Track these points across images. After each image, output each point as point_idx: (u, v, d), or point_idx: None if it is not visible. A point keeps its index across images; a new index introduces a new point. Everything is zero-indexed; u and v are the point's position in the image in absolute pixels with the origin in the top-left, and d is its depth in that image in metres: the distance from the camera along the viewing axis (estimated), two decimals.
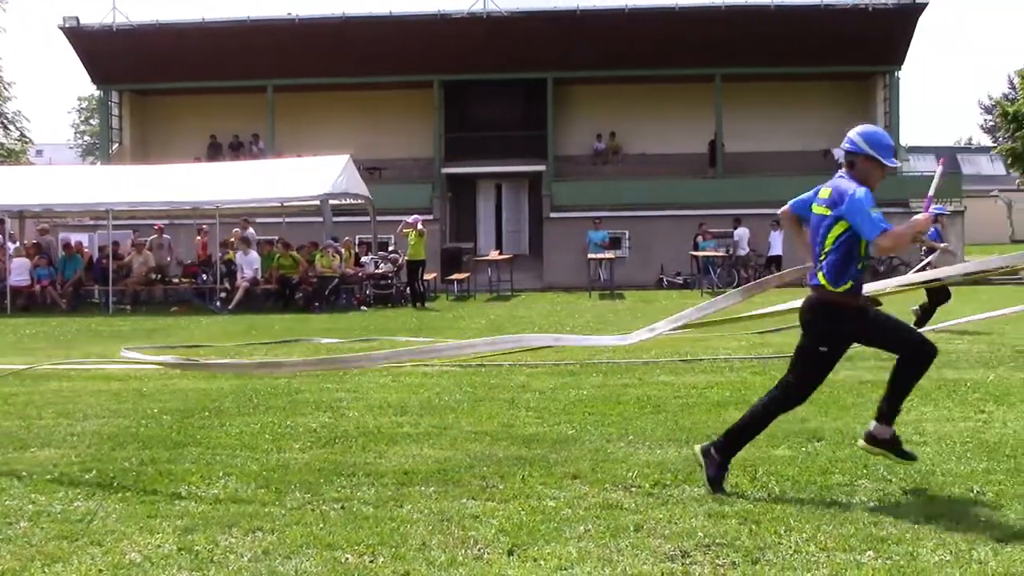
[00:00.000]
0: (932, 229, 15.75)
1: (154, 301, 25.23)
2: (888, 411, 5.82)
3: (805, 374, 5.82)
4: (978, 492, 5.65)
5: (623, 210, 34.57)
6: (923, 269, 14.75)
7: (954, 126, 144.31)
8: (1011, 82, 55.08)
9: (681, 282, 32.71)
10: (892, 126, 38.01)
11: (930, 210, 5.99)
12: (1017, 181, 43.00)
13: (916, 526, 5.05)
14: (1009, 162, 42.27)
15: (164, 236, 26.87)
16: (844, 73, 38.47)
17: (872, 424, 5.88)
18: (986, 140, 76.11)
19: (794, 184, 36.36)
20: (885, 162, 5.88)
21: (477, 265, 30.31)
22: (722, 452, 5.82)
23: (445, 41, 35.95)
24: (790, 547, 4.78)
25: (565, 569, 4.56)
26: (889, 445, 5.85)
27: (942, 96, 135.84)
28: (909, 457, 5.91)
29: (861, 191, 5.68)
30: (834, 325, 5.72)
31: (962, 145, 78.05)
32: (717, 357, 11.72)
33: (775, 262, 32.89)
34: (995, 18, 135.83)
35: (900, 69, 38.02)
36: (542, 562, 4.65)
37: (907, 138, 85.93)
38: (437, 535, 5.07)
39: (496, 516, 5.37)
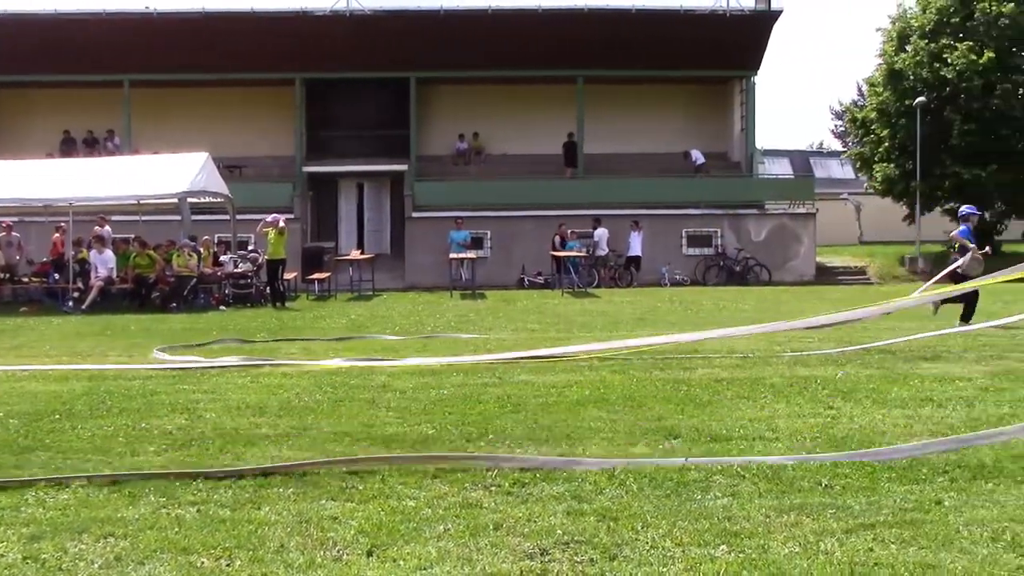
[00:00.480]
0: (964, 227, 16.46)
1: (2, 301, 24.35)
2: None
3: None
4: (826, 485, 5.85)
5: (485, 210, 34.73)
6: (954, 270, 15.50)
7: (807, 130, 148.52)
8: (860, 89, 57.11)
9: (542, 282, 33.01)
10: (748, 130, 39.03)
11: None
12: (865, 185, 44.46)
13: (767, 520, 5.20)
14: (858, 166, 43.68)
15: (13, 234, 25.93)
16: (702, 77, 39.34)
17: None
18: (837, 145, 78.67)
19: (653, 185, 37.07)
20: None
21: (338, 264, 30.09)
22: None
23: (307, 39, 35.60)
24: (647, 543, 4.87)
25: (424, 569, 4.57)
26: None
27: (796, 101, 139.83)
28: None
29: None
30: None
31: (814, 149, 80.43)
32: (575, 356, 11.86)
33: (634, 263, 33.49)
34: (845, 27, 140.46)
35: (756, 74, 39.04)
36: (401, 562, 4.65)
37: (762, 141, 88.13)
38: (295, 537, 5.02)
39: (355, 517, 5.34)
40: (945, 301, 15.62)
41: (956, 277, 15.65)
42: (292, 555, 4.76)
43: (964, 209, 17.42)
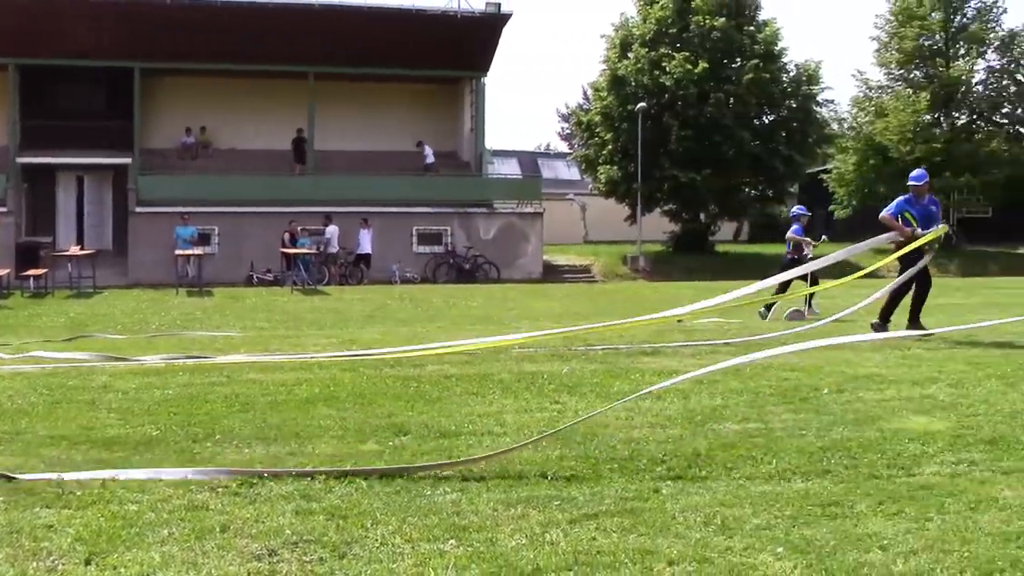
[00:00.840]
0: (796, 227, 17.31)
1: None
2: None
3: None
4: (552, 477, 6.01)
5: (213, 206, 33.84)
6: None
7: (535, 132, 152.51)
8: (585, 93, 59.03)
9: (271, 279, 32.47)
10: (477, 130, 39.65)
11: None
12: (590, 186, 46.09)
13: (495, 513, 5.30)
14: (583, 168, 45.27)
15: None
16: (434, 77, 39.70)
17: None
18: (563, 146, 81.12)
19: (383, 183, 36.97)
20: None
21: (55, 260, 28.63)
22: None
23: (23, 22, 33.58)
24: (376, 540, 4.87)
25: (147, 575, 4.40)
26: None
27: (525, 103, 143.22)
28: None
29: None
30: None
31: (542, 150, 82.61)
32: (312, 356, 11.72)
33: (363, 260, 33.43)
34: (572, 33, 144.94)
35: (486, 75, 39.73)
36: (122, 569, 4.46)
37: (492, 142, 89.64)
38: (5, 548, 4.73)
39: (73, 524, 5.08)
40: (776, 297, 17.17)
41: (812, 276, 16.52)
42: (1, 568, 4.48)
43: (795, 210, 18.81)
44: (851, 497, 5.55)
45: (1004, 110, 46.02)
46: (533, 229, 37.69)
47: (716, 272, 36.86)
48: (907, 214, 13.43)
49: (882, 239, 14.10)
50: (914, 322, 13.51)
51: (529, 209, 38.07)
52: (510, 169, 57.09)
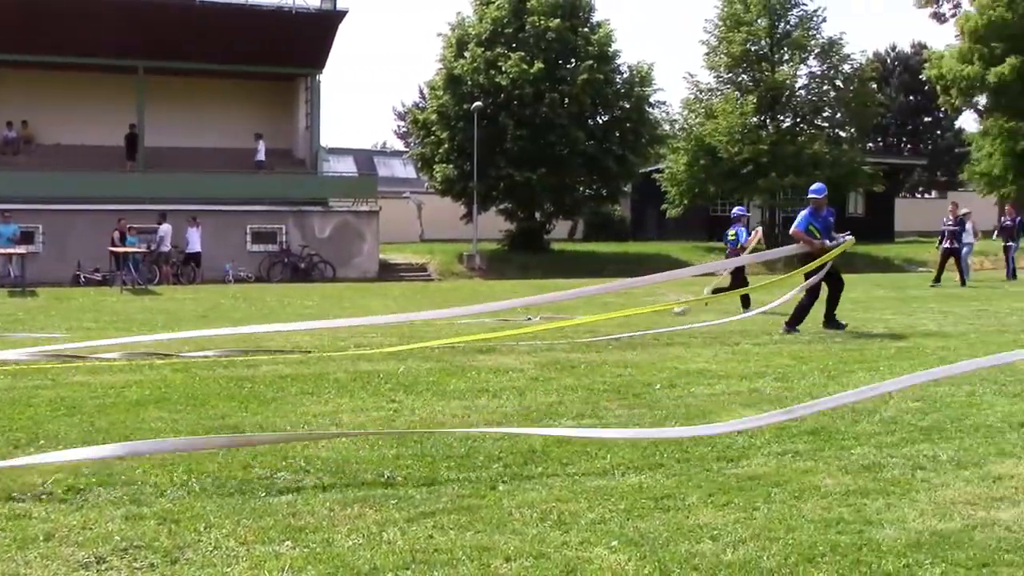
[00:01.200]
0: (736, 226, 17.84)
1: None
2: None
3: None
4: (389, 476, 5.98)
5: (36, 203, 32.52)
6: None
7: (372, 130, 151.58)
8: (422, 92, 58.88)
9: (100, 279, 31.43)
10: (313, 128, 39.21)
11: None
12: (427, 184, 46.01)
13: (332, 513, 5.25)
14: (420, 166, 45.12)
15: None
16: (268, 74, 39.08)
17: None
18: (400, 145, 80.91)
19: (217, 181, 36.10)
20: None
21: None
22: None
23: None
24: (210, 544, 4.77)
25: None
26: None
27: (361, 101, 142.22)
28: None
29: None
30: None
31: (378, 148, 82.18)
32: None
33: (194, 259, 32.69)
34: (409, 31, 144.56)
35: (321, 73, 39.30)
36: None
37: (327, 140, 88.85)
38: None
39: None
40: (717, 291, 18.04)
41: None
42: None
43: (736, 211, 19.64)
44: (683, 490, 5.68)
45: (825, 114, 47.78)
46: (369, 227, 37.45)
47: (551, 270, 37.33)
48: (812, 227, 13.95)
49: (790, 250, 14.64)
50: (831, 321, 14.08)
51: (365, 207, 37.81)
52: (346, 167, 56.61)
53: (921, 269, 39.96)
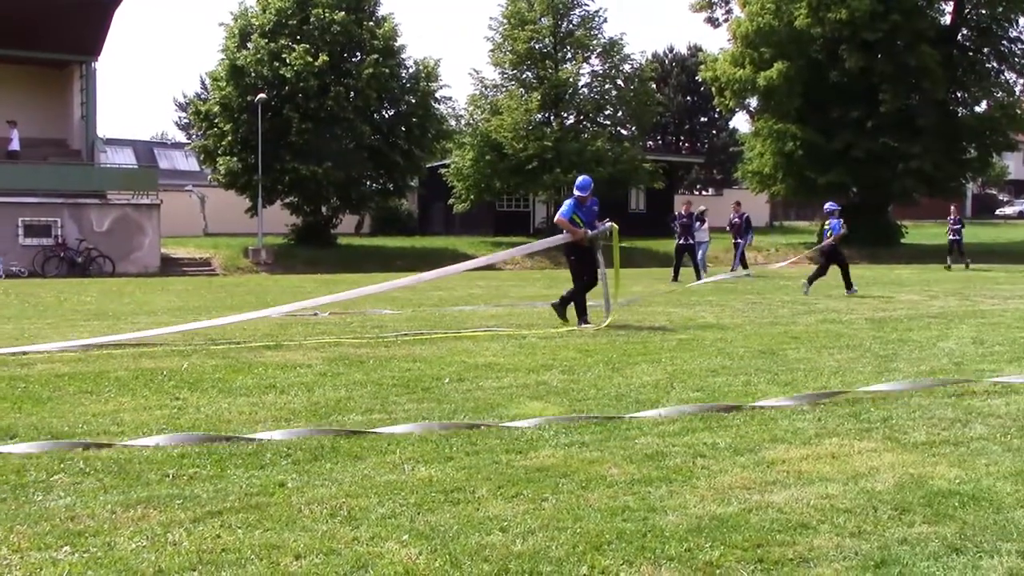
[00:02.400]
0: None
1: None
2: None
3: None
4: (174, 475, 5.81)
5: None
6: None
7: (151, 121, 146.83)
8: (204, 83, 57.42)
9: None
10: (88, 117, 37.72)
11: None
12: (210, 177, 44.79)
13: (114, 516, 5.06)
14: (202, 159, 43.92)
15: None
16: (40, 59, 37.35)
17: None
18: (181, 136, 78.67)
19: None
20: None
21: None
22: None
23: None
24: None
25: None
26: None
27: (141, 91, 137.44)
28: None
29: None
30: None
31: (159, 140, 79.72)
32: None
33: None
34: (190, 20, 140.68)
35: (97, 60, 37.80)
36: None
37: (105, 130, 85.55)
38: None
39: None
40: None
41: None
42: None
43: (828, 206, 21.75)
44: (472, 482, 5.73)
45: (607, 112, 49.03)
46: (150, 221, 36.28)
47: (338, 264, 37.10)
48: (576, 217, 14.14)
49: (557, 239, 14.72)
50: (563, 307, 14.42)
51: (145, 200, 36.60)
52: (125, 159, 54.72)
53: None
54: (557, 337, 12.78)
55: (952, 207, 35.91)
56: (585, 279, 14.26)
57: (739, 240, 29.11)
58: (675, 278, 26.25)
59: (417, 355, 11.00)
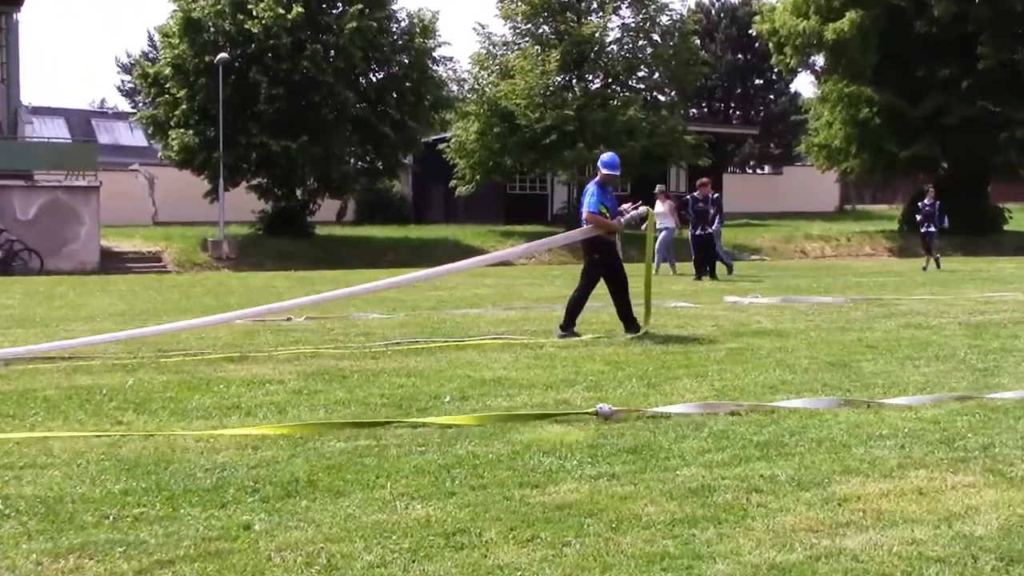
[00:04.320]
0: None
1: None
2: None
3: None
4: (115, 517, 5.79)
5: None
6: None
7: (89, 86, 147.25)
8: (152, 39, 57.56)
9: None
10: (10, 81, 37.86)
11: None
12: (160, 154, 44.84)
13: (40, 567, 5.05)
14: (151, 131, 43.94)
15: None
16: None
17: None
18: (125, 104, 78.87)
19: None
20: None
21: None
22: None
23: None
24: None
25: None
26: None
27: (75, 50, 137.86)
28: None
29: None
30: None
31: (97, 109, 79.91)
32: None
33: None
34: None
35: (19, 10, 37.90)
36: None
37: (31, 97, 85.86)
38: None
39: None
40: None
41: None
42: None
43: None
44: (479, 523, 5.70)
45: (641, 74, 48.99)
46: (87, 207, 36.32)
47: (317, 259, 37.04)
48: (603, 208, 13.82)
49: (579, 234, 14.46)
50: (629, 314, 14.05)
51: (81, 182, 36.67)
52: (56, 131, 54.87)
53: (754, 257, 41.54)
54: (580, 347, 12.75)
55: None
56: (616, 281, 14.05)
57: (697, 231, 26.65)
58: (708, 274, 25.78)
59: (411, 368, 10.98)
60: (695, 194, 26.95)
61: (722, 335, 13.84)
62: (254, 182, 42.07)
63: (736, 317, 16.17)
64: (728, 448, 7.35)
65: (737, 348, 12.54)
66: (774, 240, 45.90)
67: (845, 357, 11.69)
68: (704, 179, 27.90)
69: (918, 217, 30.95)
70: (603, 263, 14.06)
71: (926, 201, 30.56)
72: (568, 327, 13.79)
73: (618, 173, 14.06)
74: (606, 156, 14.12)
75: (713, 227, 26.32)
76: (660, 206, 26.80)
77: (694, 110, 71.09)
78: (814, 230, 48.16)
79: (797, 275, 26.22)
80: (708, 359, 11.64)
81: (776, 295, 19.89)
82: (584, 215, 14.10)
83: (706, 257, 26.09)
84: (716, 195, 27.83)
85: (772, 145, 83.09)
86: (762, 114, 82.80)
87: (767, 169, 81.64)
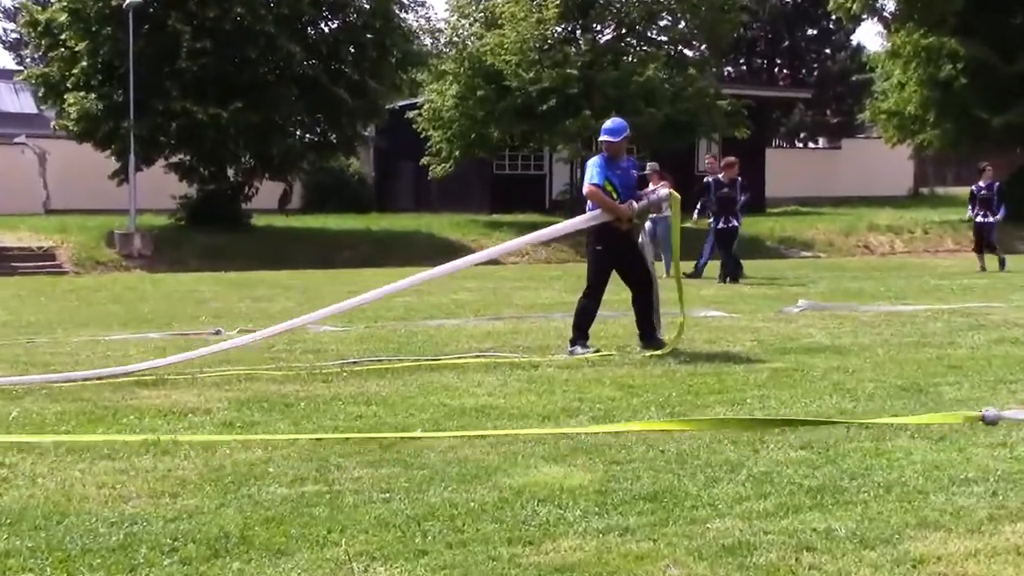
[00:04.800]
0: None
1: None
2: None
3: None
4: None
5: None
6: None
7: None
8: None
9: None
10: None
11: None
12: (54, 123, 44.63)
13: None
14: (42, 95, 43.74)
15: None
16: None
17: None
18: (9, 61, 78.80)
19: None
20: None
21: None
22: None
23: None
24: None
25: None
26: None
27: None
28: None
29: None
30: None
31: None
32: None
33: None
34: None
35: None
36: None
37: None
38: None
39: None
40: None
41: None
42: None
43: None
44: None
45: (662, 23, 48.86)
46: None
47: (254, 256, 36.84)
48: (608, 184, 13.69)
49: (585, 220, 14.16)
50: (650, 337, 14.01)
51: None
52: None
53: (805, 253, 41.57)
54: (586, 366, 12.75)
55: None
56: (635, 283, 14.01)
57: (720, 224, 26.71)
58: (732, 275, 25.69)
59: (372, 394, 10.98)
60: (719, 176, 26.54)
61: (764, 352, 13.85)
62: (174, 159, 41.97)
63: (782, 330, 16.18)
64: (772, 495, 7.35)
65: (783, 368, 12.54)
66: (830, 232, 45.88)
67: (921, 380, 11.69)
68: (731, 158, 27.14)
69: (970, 210, 30.62)
70: (608, 257, 13.95)
71: (981, 183, 29.99)
72: (578, 341, 13.76)
73: (618, 140, 13.83)
74: (610, 121, 14.00)
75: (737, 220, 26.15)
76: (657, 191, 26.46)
77: (730, 68, 71.20)
78: (881, 219, 48.13)
79: (859, 276, 26.26)
80: (747, 382, 11.64)
81: (832, 301, 19.90)
82: (584, 189, 13.98)
83: (728, 254, 25.88)
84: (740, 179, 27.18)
85: (828, 112, 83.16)
86: (815, 74, 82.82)
87: (822, 143, 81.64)
